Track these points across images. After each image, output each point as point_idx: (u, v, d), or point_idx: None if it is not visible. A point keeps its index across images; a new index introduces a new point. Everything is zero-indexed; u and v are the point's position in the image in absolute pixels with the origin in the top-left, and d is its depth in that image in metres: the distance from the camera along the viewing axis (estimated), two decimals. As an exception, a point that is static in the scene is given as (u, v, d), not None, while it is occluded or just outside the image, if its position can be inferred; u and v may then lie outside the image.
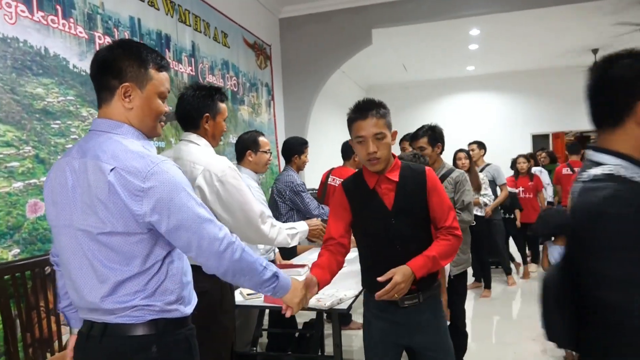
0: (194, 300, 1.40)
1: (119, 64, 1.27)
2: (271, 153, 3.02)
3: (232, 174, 1.83)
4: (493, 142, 8.12)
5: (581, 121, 8.84)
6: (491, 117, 9.38)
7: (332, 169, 3.89)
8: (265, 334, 3.09)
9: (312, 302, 1.92)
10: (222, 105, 1.98)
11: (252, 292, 2.06)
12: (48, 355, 2.17)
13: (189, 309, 1.34)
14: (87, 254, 1.23)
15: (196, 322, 1.40)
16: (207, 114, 1.91)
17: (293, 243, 2.02)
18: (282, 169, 4.10)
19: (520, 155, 5.69)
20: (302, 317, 3.42)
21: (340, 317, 2.11)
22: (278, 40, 5.44)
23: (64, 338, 2.28)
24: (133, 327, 1.23)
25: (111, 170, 1.18)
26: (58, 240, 1.30)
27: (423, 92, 9.76)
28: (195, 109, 1.89)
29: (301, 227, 2.13)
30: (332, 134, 7.38)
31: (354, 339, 3.74)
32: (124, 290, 1.22)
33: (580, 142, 7.21)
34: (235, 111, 4.41)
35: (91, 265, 1.22)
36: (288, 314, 1.54)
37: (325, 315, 3.15)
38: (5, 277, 2.03)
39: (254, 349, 2.21)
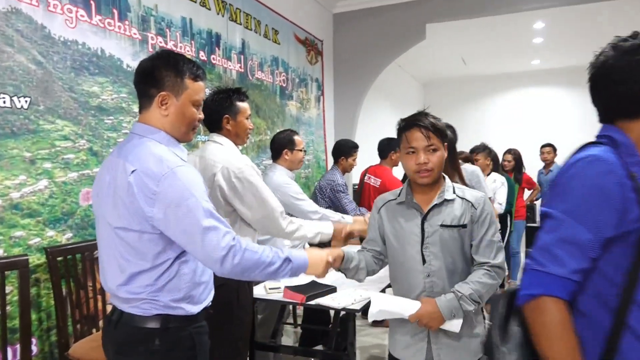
0: (208, 299, 1.47)
1: (158, 74, 1.39)
2: (305, 151, 3.08)
3: (249, 171, 1.92)
4: (564, 142, 7.67)
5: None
6: (561, 114, 8.85)
7: (369, 167, 3.89)
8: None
9: (327, 301, 1.98)
10: (242, 105, 2.06)
11: (274, 286, 2.15)
12: (94, 330, 2.39)
13: (196, 308, 1.40)
14: (111, 245, 1.35)
15: (213, 314, 1.50)
16: (227, 115, 2.02)
17: (314, 240, 2.08)
18: (329, 166, 4.13)
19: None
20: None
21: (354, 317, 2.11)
22: (331, 36, 5.48)
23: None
24: (141, 319, 1.34)
25: (132, 171, 1.28)
26: (97, 228, 1.44)
27: (485, 86, 9.43)
28: (216, 112, 2.01)
29: (326, 229, 2.14)
30: (387, 129, 7.30)
31: (385, 338, 3.75)
32: (137, 282, 1.33)
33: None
34: (283, 106, 4.52)
35: (114, 255, 1.35)
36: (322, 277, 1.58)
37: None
38: (58, 258, 2.26)
39: (274, 340, 2.31)
